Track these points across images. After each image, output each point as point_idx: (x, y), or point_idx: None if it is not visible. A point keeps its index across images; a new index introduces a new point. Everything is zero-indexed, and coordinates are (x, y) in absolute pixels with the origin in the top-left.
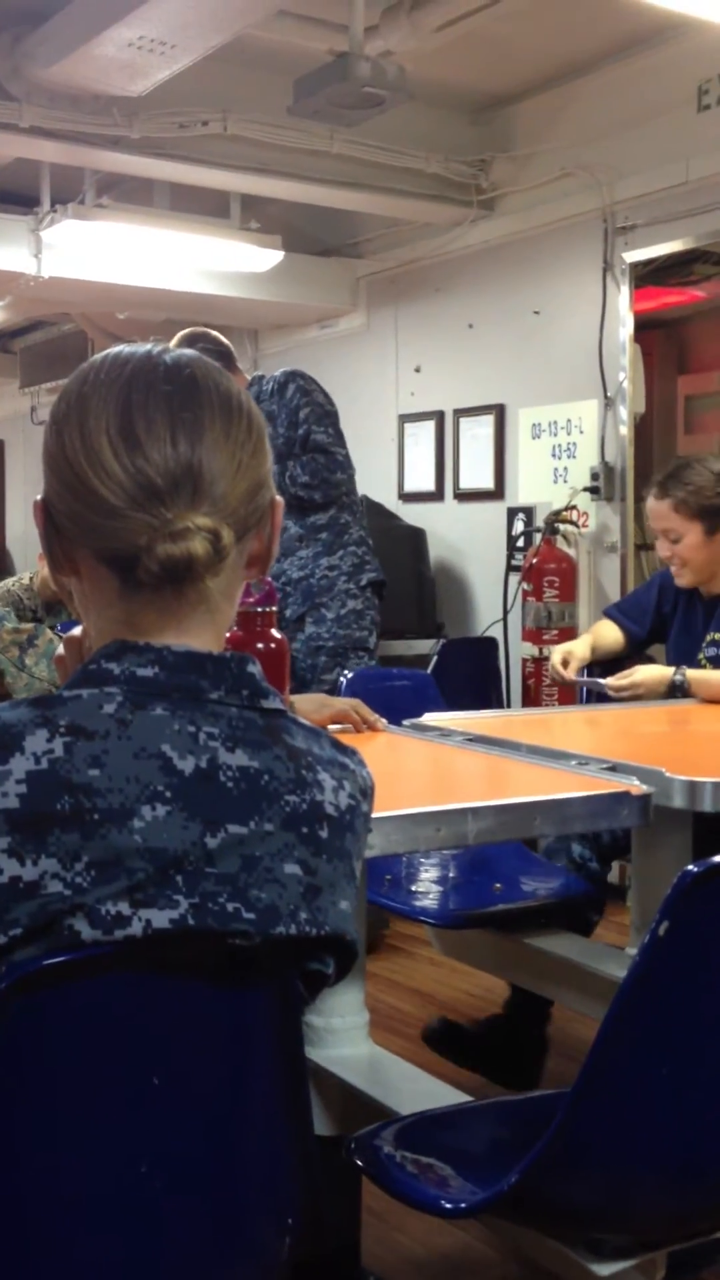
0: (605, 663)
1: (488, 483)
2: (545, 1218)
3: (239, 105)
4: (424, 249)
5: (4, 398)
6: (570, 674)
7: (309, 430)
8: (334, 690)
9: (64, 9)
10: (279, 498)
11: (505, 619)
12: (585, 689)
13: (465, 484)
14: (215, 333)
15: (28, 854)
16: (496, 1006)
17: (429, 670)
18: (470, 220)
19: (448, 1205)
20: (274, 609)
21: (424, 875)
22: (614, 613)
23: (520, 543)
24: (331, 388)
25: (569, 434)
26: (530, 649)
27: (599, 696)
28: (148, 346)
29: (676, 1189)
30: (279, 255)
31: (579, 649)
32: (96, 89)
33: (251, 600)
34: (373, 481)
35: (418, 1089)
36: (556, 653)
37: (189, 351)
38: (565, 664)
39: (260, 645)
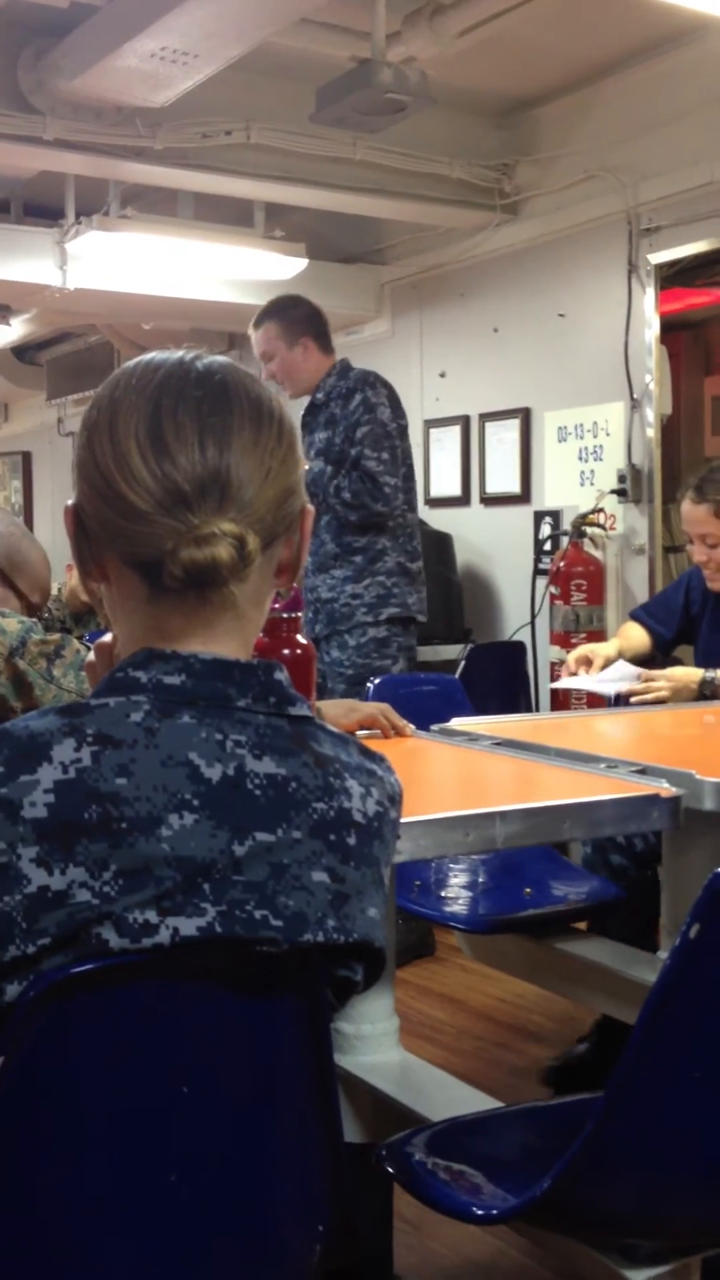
0: (633, 665)
1: (514, 487)
2: (578, 1224)
3: (262, 114)
4: (448, 254)
5: (31, 410)
6: (591, 672)
7: (361, 453)
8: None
9: (86, 22)
10: (310, 506)
11: (533, 623)
12: (614, 695)
13: (491, 488)
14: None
15: (56, 863)
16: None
17: (457, 675)
18: (494, 225)
19: (479, 1212)
20: (299, 615)
21: (454, 881)
22: (641, 614)
23: (547, 546)
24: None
25: (595, 437)
26: (558, 652)
27: (627, 699)
28: (180, 353)
29: (711, 1194)
30: (303, 263)
31: (605, 649)
32: (120, 100)
33: (278, 606)
34: None
35: (449, 1095)
36: (578, 651)
37: (221, 358)
38: (589, 662)
39: (286, 651)
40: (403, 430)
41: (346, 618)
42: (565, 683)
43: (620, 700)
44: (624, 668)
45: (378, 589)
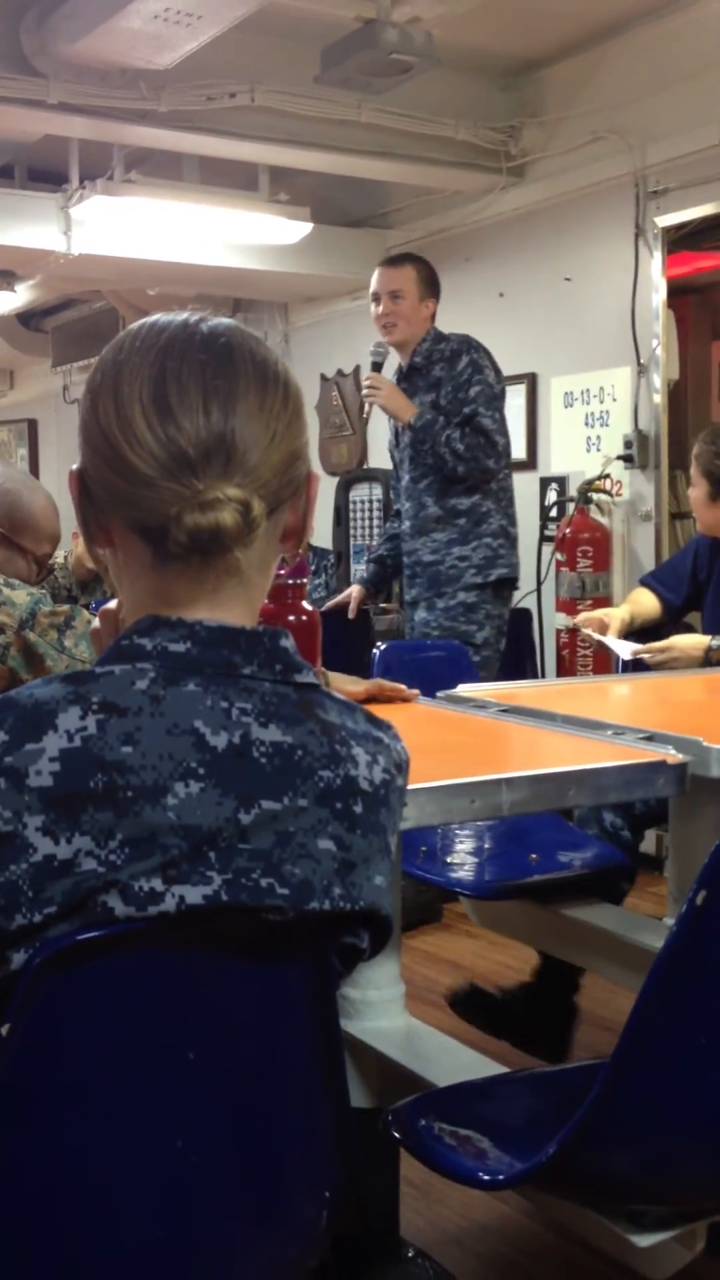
0: (643, 631)
1: (520, 452)
2: (584, 1189)
3: (266, 76)
4: (454, 218)
5: (36, 377)
6: (611, 634)
7: (476, 411)
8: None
9: None
10: (315, 471)
11: (539, 589)
12: (620, 660)
13: None
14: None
15: (61, 832)
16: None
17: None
18: (500, 187)
19: (486, 1177)
20: (304, 581)
21: (460, 847)
22: (651, 581)
23: (554, 512)
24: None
25: (602, 402)
26: (565, 619)
27: (634, 665)
28: (185, 315)
29: (716, 1160)
30: (308, 227)
31: (619, 613)
32: (123, 63)
33: (283, 573)
34: None
35: (454, 1061)
36: (595, 615)
37: (226, 321)
38: (604, 628)
39: (292, 618)
40: (502, 394)
41: (454, 580)
42: (590, 631)
43: (629, 666)
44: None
45: (485, 550)
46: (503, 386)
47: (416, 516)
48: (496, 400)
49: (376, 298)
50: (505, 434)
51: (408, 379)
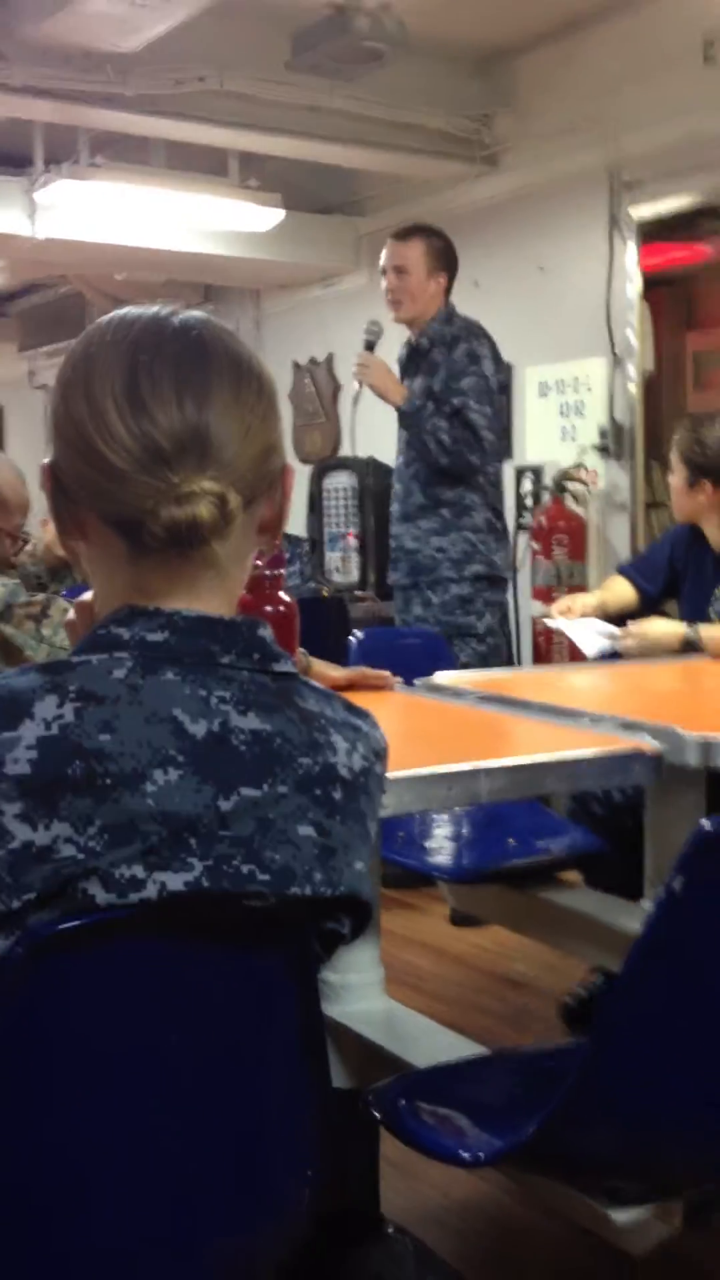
0: (618, 620)
1: None
2: (563, 1167)
3: (236, 61)
4: (427, 206)
5: (2, 362)
6: (572, 618)
7: (466, 403)
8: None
9: None
10: (290, 464)
11: (514, 578)
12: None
13: None
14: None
15: (40, 819)
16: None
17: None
18: (474, 176)
19: (466, 1155)
20: (283, 572)
21: (438, 832)
22: (628, 570)
23: (529, 502)
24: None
25: (577, 392)
26: (540, 608)
27: (611, 654)
28: (155, 308)
29: (693, 1137)
30: (280, 214)
31: (587, 599)
32: (89, 46)
33: (261, 564)
34: (380, 442)
35: (434, 1042)
36: (560, 602)
37: (198, 313)
38: (569, 610)
39: (270, 609)
40: (502, 386)
41: (429, 570)
42: (553, 622)
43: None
44: (601, 625)
45: (464, 544)
46: (500, 379)
47: (405, 501)
48: (490, 394)
49: (385, 272)
50: (496, 429)
51: (410, 359)
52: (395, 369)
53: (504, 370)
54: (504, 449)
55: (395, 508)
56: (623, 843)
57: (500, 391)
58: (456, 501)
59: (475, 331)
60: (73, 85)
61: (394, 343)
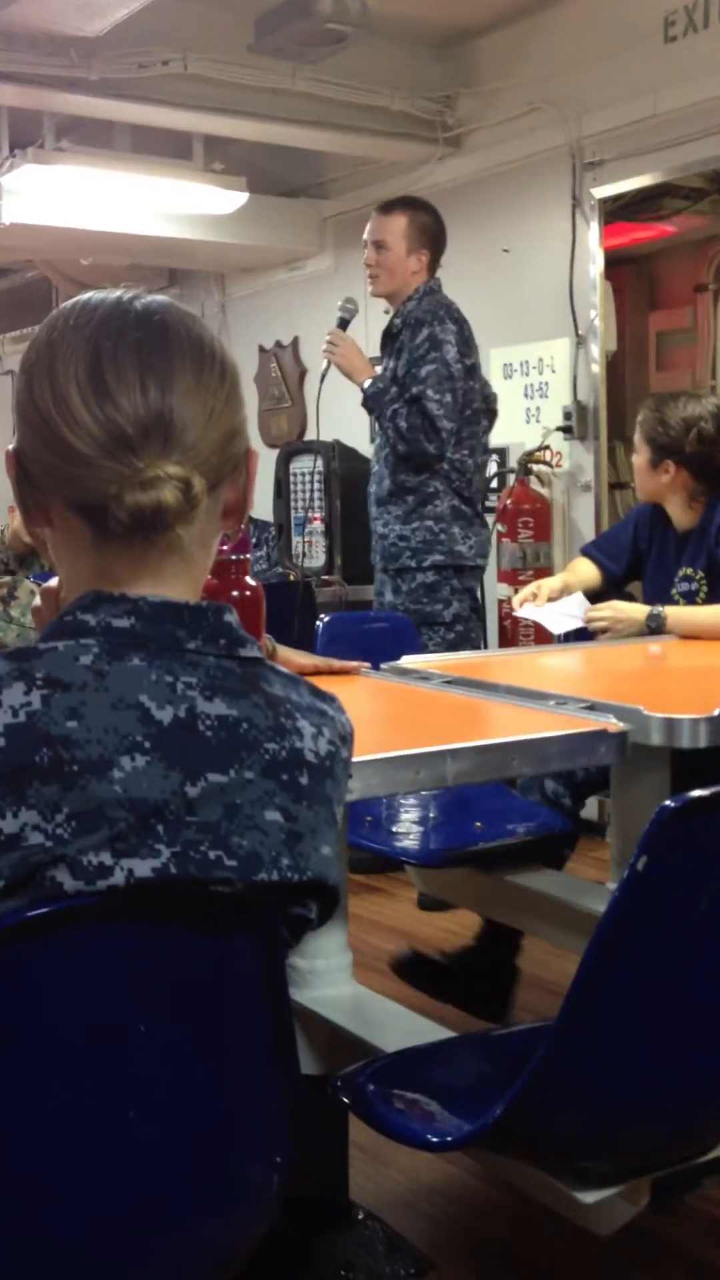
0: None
1: None
2: (531, 1149)
3: (199, 44)
4: (391, 188)
5: None
6: (539, 604)
7: (424, 392)
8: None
9: None
10: (254, 448)
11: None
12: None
13: None
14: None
15: (7, 806)
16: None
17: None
18: (437, 158)
19: (434, 1139)
20: (248, 557)
21: (405, 816)
22: (592, 550)
23: (494, 484)
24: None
25: (541, 373)
26: (506, 590)
27: (575, 635)
28: (118, 293)
29: (659, 1117)
30: (244, 197)
31: (551, 583)
32: (53, 30)
33: (226, 548)
34: (346, 425)
35: (401, 1026)
36: (526, 589)
37: (160, 298)
38: (534, 597)
39: (235, 593)
40: (470, 370)
41: (394, 558)
42: (521, 611)
43: (570, 636)
44: (576, 601)
45: (424, 533)
46: (467, 363)
47: (379, 485)
48: (450, 381)
49: (366, 245)
50: (453, 417)
51: (385, 341)
52: (375, 348)
53: (474, 353)
54: (479, 433)
55: (372, 489)
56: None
57: (469, 376)
58: (418, 489)
59: (439, 315)
60: (37, 69)
61: (375, 322)
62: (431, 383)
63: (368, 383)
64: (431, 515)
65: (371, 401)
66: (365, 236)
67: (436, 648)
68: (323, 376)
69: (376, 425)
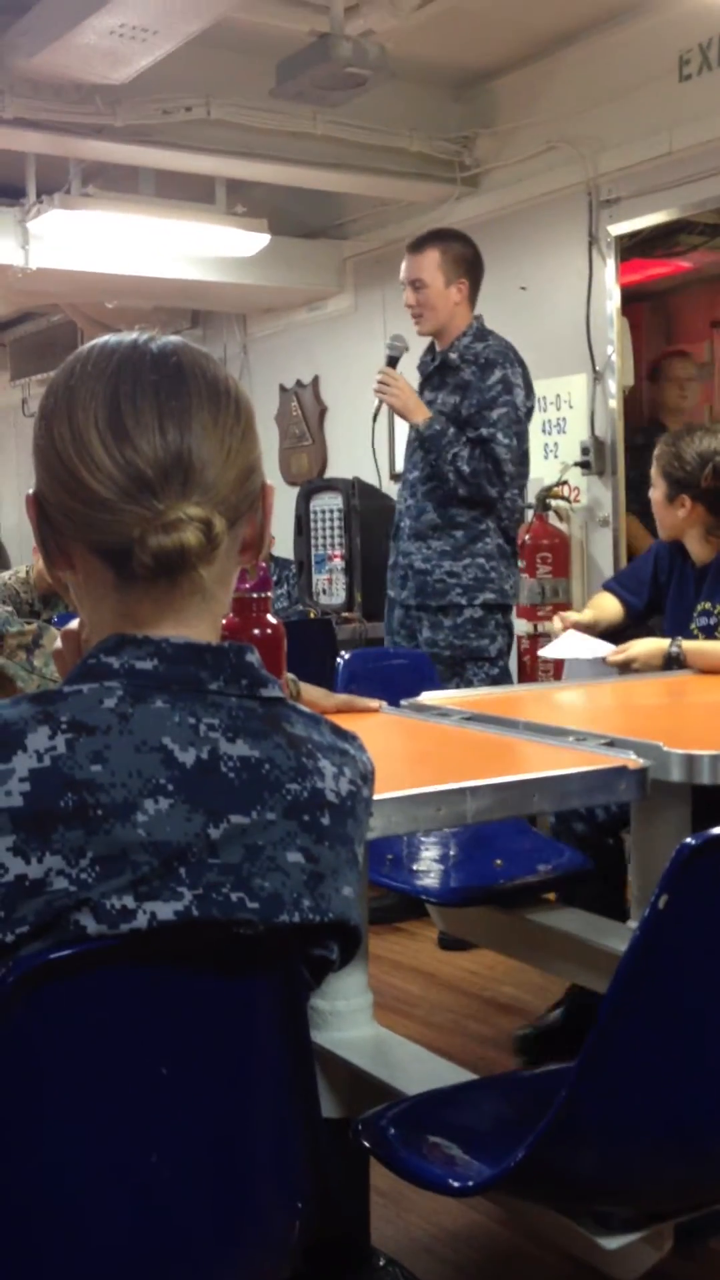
0: (606, 635)
1: None
2: (553, 1193)
3: (222, 89)
4: (410, 228)
5: None
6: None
7: (494, 435)
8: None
9: None
10: (269, 482)
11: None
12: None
13: None
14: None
15: (33, 852)
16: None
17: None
18: (455, 197)
19: (455, 1184)
20: (269, 595)
21: (425, 854)
22: (613, 585)
23: None
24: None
25: (558, 409)
26: (525, 625)
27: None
28: (134, 335)
29: (682, 1161)
30: (265, 238)
31: (579, 618)
32: (79, 78)
33: (246, 586)
34: (363, 462)
35: (423, 1069)
36: (556, 620)
37: (174, 339)
38: (565, 625)
39: (256, 631)
40: (530, 413)
41: (440, 594)
42: (545, 652)
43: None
44: (593, 642)
45: (476, 570)
46: (529, 406)
47: (417, 519)
48: (519, 424)
49: (404, 287)
50: (520, 459)
51: (438, 371)
52: (415, 376)
53: (533, 397)
54: (527, 473)
55: (406, 524)
56: (604, 861)
57: (528, 419)
58: (470, 525)
59: (510, 358)
60: (64, 117)
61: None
62: (502, 426)
63: (422, 422)
64: (482, 553)
65: (430, 444)
66: (401, 279)
67: (481, 683)
68: (374, 415)
69: (413, 455)
